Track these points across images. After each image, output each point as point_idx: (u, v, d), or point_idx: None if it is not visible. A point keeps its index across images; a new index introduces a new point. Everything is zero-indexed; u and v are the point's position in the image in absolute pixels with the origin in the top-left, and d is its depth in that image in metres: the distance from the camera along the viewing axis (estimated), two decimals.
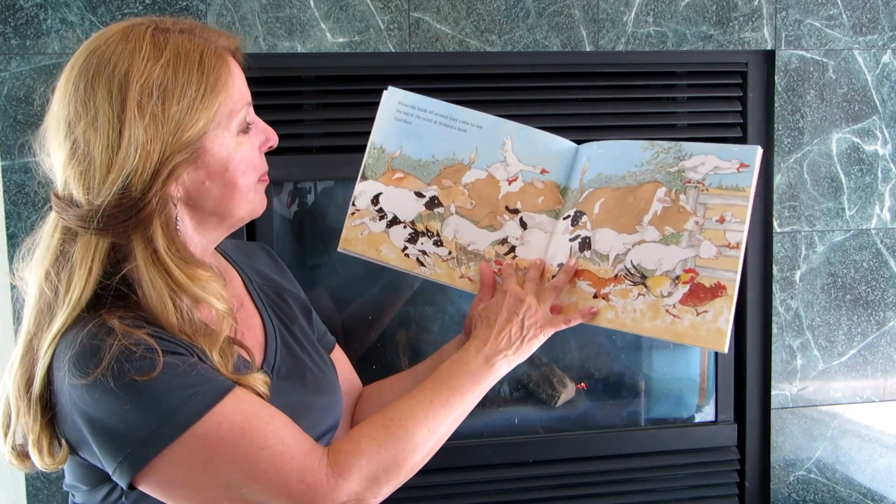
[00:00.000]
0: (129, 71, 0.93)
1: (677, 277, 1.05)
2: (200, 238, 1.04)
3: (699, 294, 1.04)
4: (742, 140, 1.87)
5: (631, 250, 1.08)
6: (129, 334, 0.91)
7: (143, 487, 0.94)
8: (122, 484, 0.93)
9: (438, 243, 1.17)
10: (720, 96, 1.89)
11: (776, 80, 1.85)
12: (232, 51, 1.02)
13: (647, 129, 1.85)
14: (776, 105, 1.86)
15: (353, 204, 1.18)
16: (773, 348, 1.91)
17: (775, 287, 1.89)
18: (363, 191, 1.18)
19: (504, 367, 1.08)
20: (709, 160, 1.07)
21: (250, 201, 1.03)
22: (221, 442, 0.91)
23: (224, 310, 0.98)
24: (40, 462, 0.98)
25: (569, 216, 1.14)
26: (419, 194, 1.17)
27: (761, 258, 1.91)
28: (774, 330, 1.90)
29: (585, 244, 1.12)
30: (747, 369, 1.93)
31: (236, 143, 1.00)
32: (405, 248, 1.17)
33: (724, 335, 1.02)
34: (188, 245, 1.00)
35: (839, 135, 1.89)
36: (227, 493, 0.92)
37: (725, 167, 1.06)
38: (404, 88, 1.20)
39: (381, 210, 1.17)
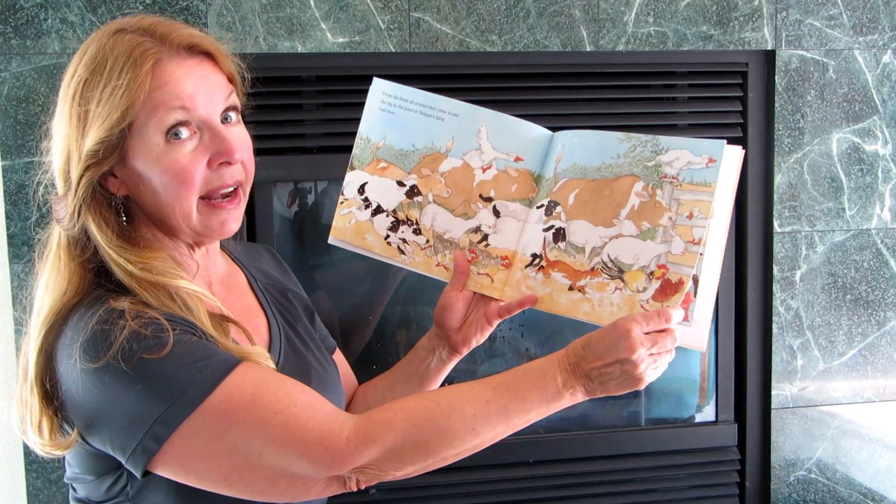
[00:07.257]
0: (73, 72, 0.98)
1: (651, 273, 1.04)
2: (174, 244, 1.04)
3: (667, 290, 1.03)
4: (743, 140, 1.87)
5: (608, 244, 1.08)
6: (139, 314, 0.92)
7: (160, 469, 0.94)
8: (137, 471, 0.93)
9: (417, 231, 1.18)
10: (720, 96, 1.89)
11: (776, 80, 1.85)
12: (201, 51, 1.00)
13: (648, 129, 1.84)
14: (776, 105, 1.86)
15: (343, 193, 1.19)
16: (773, 348, 1.91)
17: (775, 287, 1.89)
18: (351, 181, 1.19)
19: (581, 397, 0.99)
20: (683, 155, 1.05)
21: (187, 217, 1.00)
22: (235, 410, 0.91)
23: (185, 285, 0.98)
24: (41, 444, 0.98)
25: (542, 205, 1.14)
26: (400, 183, 1.18)
27: (761, 258, 1.90)
28: (775, 330, 1.90)
29: (560, 235, 1.11)
30: (747, 369, 1.93)
31: (161, 151, 0.97)
32: (387, 236, 1.18)
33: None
34: (152, 243, 1.02)
35: (839, 135, 1.88)
36: (247, 461, 0.92)
37: (697, 162, 1.04)
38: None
39: (366, 199, 1.18)
